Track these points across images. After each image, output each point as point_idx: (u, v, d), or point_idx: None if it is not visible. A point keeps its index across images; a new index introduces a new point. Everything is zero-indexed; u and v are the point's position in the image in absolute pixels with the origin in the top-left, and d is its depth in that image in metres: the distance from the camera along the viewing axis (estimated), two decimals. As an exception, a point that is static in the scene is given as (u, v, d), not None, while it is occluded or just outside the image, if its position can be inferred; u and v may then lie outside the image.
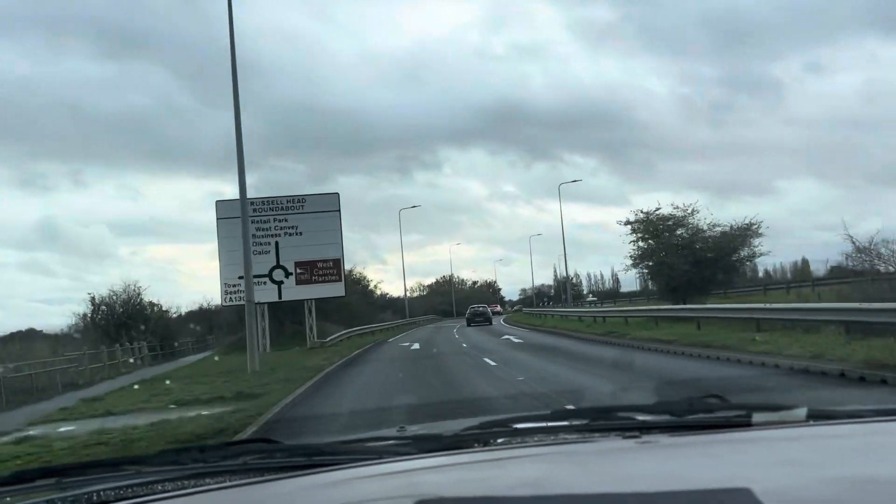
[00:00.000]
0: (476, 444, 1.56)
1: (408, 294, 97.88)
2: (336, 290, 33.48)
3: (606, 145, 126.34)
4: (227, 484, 1.37)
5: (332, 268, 32.87)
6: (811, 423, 1.50)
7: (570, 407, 5.41)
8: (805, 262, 78.85)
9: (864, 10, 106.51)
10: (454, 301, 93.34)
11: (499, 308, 75.33)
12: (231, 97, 21.02)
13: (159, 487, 1.36)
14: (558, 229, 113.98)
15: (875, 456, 1.25)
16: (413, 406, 10.58)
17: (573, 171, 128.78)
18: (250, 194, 24.53)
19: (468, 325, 50.37)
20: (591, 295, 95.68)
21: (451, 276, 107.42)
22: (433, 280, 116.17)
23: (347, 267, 40.13)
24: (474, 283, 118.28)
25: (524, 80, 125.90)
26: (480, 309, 55.26)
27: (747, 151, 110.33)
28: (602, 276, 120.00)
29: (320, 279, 32.56)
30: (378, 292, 66.63)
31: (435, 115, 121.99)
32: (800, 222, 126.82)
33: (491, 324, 50.41)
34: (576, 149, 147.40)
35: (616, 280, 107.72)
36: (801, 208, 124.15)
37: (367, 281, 60.25)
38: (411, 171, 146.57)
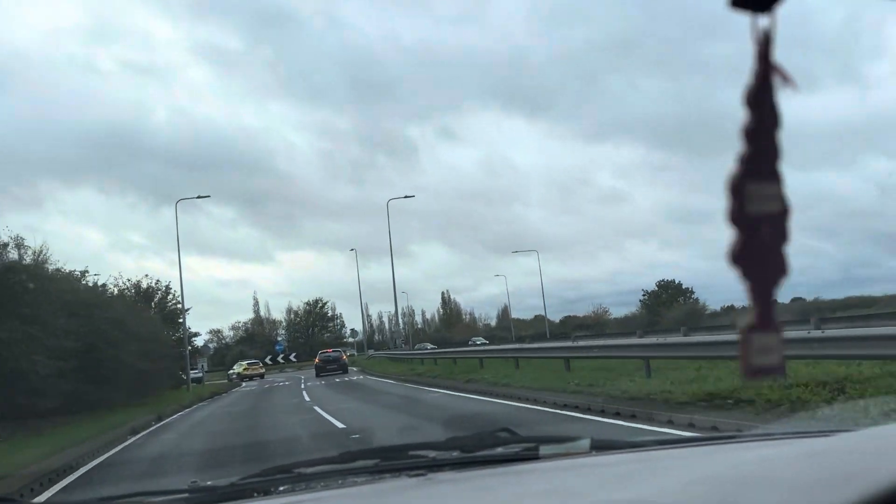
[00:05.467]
0: (255, 494, 1.44)
1: None
2: None
3: (246, 195, 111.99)
4: None
5: None
6: (594, 453, 1.52)
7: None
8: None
9: (488, 83, 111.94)
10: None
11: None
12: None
13: None
14: (196, 286, 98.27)
15: (650, 480, 1.27)
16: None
17: (209, 220, 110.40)
18: None
19: (317, 374, 39.34)
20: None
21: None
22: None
23: None
24: (120, 287, 37.71)
25: (142, 107, 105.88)
26: (333, 354, 43.98)
27: (385, 213, 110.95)
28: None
29: None
30: None
31: (28, 138, 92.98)
32: (431, 285, 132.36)
33: (346, 372, 39.78)
34: (210, 195, 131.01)
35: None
36: (432, 272, 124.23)
37: None
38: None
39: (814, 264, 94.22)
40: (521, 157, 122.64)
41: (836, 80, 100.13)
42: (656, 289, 78.18)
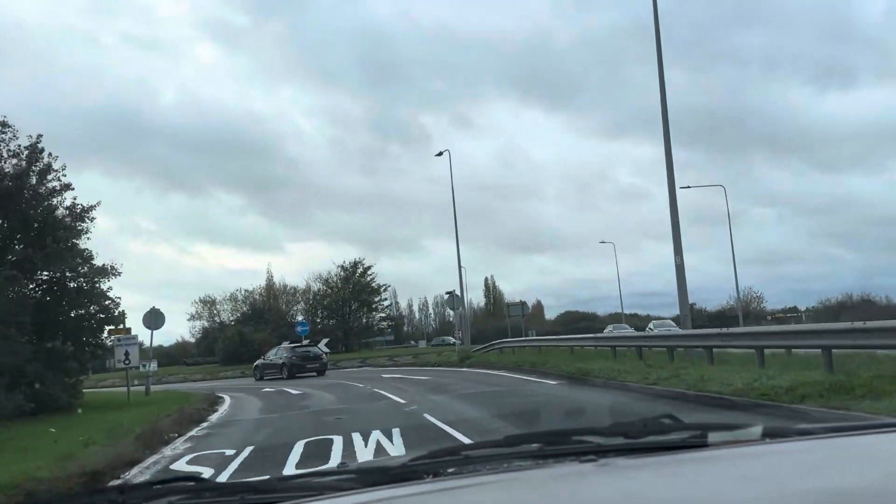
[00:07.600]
0: (425, 476, 1.48)
1: None
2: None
3: (255, 182, 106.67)
4: None
5: None
6: (766, 441, 1.49)
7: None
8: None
9: (507, 70, 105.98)
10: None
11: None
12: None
13: None
14: (206, 274, 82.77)
15: (829, 470, 1.25)
16: None
17: (218, 207, 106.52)
18: None
19: (289, 376, 29.52)
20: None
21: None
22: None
23: None
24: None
25: (148, 85, 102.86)
26: (314, 349, 32.53)
27: (398, 205, 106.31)
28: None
29: None
30: None
31: (34, 114, 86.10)
32: (443, 280, 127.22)
33: (323, 374, 30.03)
34: (219, 181, 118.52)
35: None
36: (444, 267, 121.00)
37: None
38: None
39: (834, 272, 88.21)
40: (538, 150, 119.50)
41: (874, 75, 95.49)
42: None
